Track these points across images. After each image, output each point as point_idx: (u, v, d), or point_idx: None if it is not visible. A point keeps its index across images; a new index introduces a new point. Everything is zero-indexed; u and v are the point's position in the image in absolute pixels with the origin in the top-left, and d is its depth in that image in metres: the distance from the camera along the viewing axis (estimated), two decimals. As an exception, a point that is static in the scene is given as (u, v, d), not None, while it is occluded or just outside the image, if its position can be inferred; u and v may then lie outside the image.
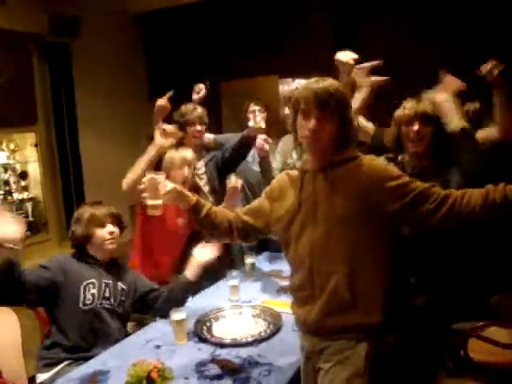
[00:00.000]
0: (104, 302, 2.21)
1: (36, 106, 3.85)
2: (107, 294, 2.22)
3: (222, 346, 1.97)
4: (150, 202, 1.77)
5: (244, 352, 1.91)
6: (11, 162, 3.84)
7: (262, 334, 2.08)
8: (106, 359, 1.92)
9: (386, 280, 1.59)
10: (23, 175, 3.88)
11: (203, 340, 2.03)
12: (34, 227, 3.89)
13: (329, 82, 1.57)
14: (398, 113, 2.12)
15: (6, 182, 3.80)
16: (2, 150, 3.78)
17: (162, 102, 2.58)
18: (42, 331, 2.55)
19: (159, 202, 1.76)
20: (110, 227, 2.27)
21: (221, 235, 1.85)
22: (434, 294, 1.94)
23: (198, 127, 2.87)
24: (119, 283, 2.29)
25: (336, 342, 1.58)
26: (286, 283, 2.67)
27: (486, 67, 2.07)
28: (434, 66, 2.38)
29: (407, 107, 2.09)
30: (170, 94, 2.60)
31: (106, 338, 2.18)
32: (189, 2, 4.49)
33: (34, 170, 3.94)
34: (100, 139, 4.14)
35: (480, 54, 2.11)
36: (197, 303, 2.42)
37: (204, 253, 2.38)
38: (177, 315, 2.02)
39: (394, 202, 1.52)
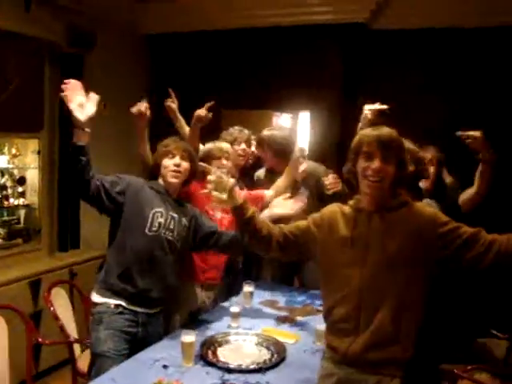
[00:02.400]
0: (168, 232, 2.36)
1: (43, 114, 3.90)
2: (171, 226, 2.38)
3: (230, 371, 2.05)
4: (215, 195, 1.94)
5: (253, 379, 2.00)
6: (10, 166, 3.84)
7: (267, 362, 2.15)
8: (114, 377, 1.99)
9: (422, 316, 1.73)
10: (21, 181, 3.89)
11: (210, 364, 2.10)
12: (26, 235, 3.89)
13: (387, 129, 1.78)
14: None
15: (3, 187, 3.79)
16: (3, 154, 3.79)
17: (201, 112, 2.83)
18: (28, 337, 2.60)
19: (224, 195, 1.93)
20: (177, 159, 2.41)
21: (259, 242, 1.98)
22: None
23: (243, 146, 3.11)
24: (183, 219, 2.44)
25: (373, 377, 1.69)
26: (283, 314, 2.77)
27: (466, 134, 2.49)
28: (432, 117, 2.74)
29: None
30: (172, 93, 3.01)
31: (160, 267, 2.34)
32: (199, 29, 4.68)
33: (33, 176, 3.97)
34: (102, 153, 4.17)
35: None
36: (199, 325, 2.52)
37: (282, 206, 2.55)
38: (187, 337, 2.10)
39: (445, 246, 1.67)
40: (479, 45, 3.95)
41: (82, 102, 2.08)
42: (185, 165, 2.42)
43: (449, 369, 2.50)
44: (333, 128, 4.35)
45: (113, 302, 2.27)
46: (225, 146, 2.90)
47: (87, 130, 2.08)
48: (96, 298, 2.31)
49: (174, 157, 2.41)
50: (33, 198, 4.00)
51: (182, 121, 3.17)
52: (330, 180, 2.87)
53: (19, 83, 3.66)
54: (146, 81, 5.04)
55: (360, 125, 2.74)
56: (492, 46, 3.91)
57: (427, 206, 1.81)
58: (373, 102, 2.80)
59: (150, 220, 2.31)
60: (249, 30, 4.50)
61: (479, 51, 3.95)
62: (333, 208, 1.91)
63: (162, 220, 2.33)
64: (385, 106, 2.77)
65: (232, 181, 1.96)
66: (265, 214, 2.55)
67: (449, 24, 3.95)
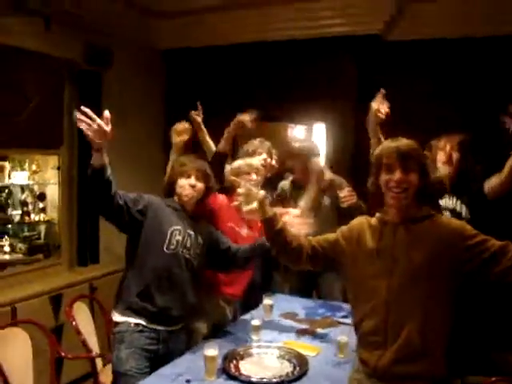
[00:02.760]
0: (185, 250, 2.39)
1: (62, 130, 3.97)
2: (188, 245, 2.41)
3: (253, 384, 2.05)
4: (245, 208, 1.97)
5: (276, 392, 1.99)
6: (31, 182, 3.91)
7: (290, 375, 2.15)
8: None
9: (450, 329, 1.74)
10: (41, 197, 3.96)
11: (232, 377, 2.12)
12: (46, 250, 3.95)
13: (406, 140, 1.80)
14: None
15: (24, 203, 3.86)
16: (24, 170, 3.87)
17: (244, 117, 2.90)
18: (51, 351, 2.64)
19: (254, 205, 1.95)
20: (192, 180, 2.44)
21: (289, 255, 2.01)
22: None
23: (264, 156, 3.12)
24: (199, 237, 2.47)
25: None
26: (303, 326, 2.78)
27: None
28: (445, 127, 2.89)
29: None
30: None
31: (179, 284, 2.37)
32: (213, 44, 4.74)
33: (53, 192, 4.04)
34: (120, 168, 4.22)
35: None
36: (220, 339, 2.53)
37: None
38: (210, 351, 2.12)
39: (472, 260, 1.67)
40: (493, 54, 3.95)
41: (98, 127, 2.02)
42: (200, 185, 2.45)
43: (473, 381, 2.48)
44: (347, 139, 4.37)
45: (133, 320, 2.30)
46: (255, 161, 2.91)
47: (104, 151, 2.08)
48: (117, 317, 2.34)
49: (189, 177, 2.43)
50: (53, 214, 4.07)
51: (205, 132, 3.23)
52: (344, 193, 2.88)
53: (39, 101, 3.73)
54: (161, 95, 5.12)
55: (369, 126, 2.68)
56: (505, 55, 3.90)
57: (454, 219, 1.84)
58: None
59: (168, 237, 2.34)
60: (263, 44, 4.54)
61: (493, 60, 3.95)
62: (360, 220, 1.95)
63: (179, 238, 2.37)
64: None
65: (262, 192, 1.98)
66: None
67: (462, 34, 3.95)
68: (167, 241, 2.33)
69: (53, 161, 4.03)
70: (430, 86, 4.12)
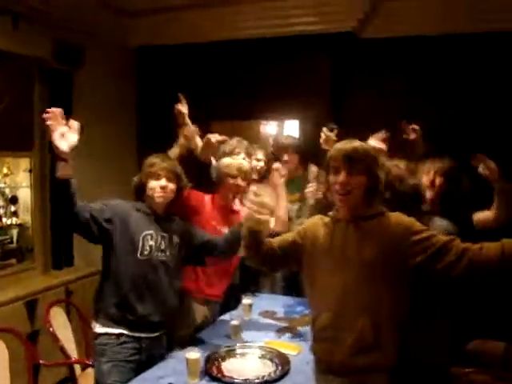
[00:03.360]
0: (160, 254, 2.34)
1: (33, 132, 3.90)
2: (163, 247, 2.35)
3: (236, 386, 2.07)
4: (258, 216, 1.94)
5: (259, 393, 2.01)
6: (2, 185, 3.84)
7: (272, 375, 2.17)
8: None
9: (403, 323, 1.79)
10: (13, 200, 3.89)
11: (215, 379, 2.13)
12: (20, 254, 3.89)
13: (357, 142, 1.85)
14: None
15: (-4, 207, 3.79)
16: (-5, 174, 3.80)
17: (179, 106, 2.87)
18: (29, 359, 2.61)
19: (266, 217, 1.95)
20: (163, 181, 2.36)
21: (257, 260, 2.06)
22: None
23: (242, 155, 3.05)
24: (174, 236, 2.42)
25: None
26: (282, 325, 2.80)
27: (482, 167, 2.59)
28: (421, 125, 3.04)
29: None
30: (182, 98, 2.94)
31: (157, 290, 2.32)
32: (186, 42, 4.72)
33: (25, 195, 3.97)
34: (92, 169, 4.20)
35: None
36: (200, 340, 2.56)
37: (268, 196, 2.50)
38: (192, 353, 2.13)
39: (418, 254, 1.72)
40: (467, 51, 4.03)
41: (63, 132, 1.95)
42: (171, 186, 2.37)
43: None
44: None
45: (114, 331, 2.26)
46: (244, 165, 2.82)
47: (70, 161, 1.99)
48: (97, 328, 2.30)
49: (159, 178, 2.34)
50: (25, 217, 4.00)
51: (190, 125, 3.05)
52: (308, 189, 2.93)
53: (8, 102, 3.66)
54: (134, 95, 5.07)
55: None
56: (480, 52, 3.99)
57: (404, 216, 1.84)
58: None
59: (140, 244, 2.29)
60: (236, 42, 4.55)
61: (468, 57, 4.03)
62: (315, 220, 2.02)
63: (152, 242, 2.32)
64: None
65: (272, 203, 2.00)
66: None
67: (436, 31, 4.02)
68: (140, 247, 2.28)
69: (24, 163, 3.95)
70: (404, 84, 4.18)
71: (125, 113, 4.91)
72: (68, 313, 3.33)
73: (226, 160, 2.82)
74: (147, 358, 2.32)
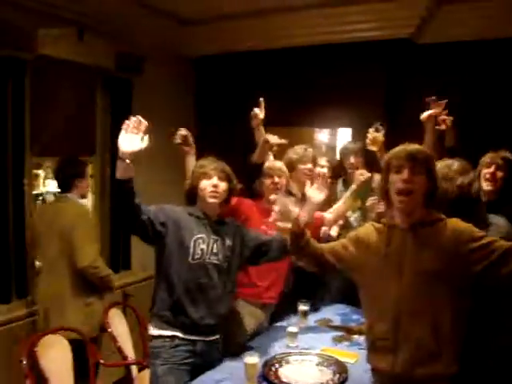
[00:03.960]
0: (212, 257, 2.35)
1: (95, 139, 4.03)
2: (215, 250, 2.37)
3: (293, 391, 2.06)
4: (280, 225, 2.04)
5: (317, 399, 1.99)
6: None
7: (330, 382, 2.14)
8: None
9: (464, 331, 1.75)
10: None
11: (273, 384, 2.11)
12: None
13: (416, 145, 1.87)
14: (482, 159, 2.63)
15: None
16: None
17: (271, 138, 2.89)
18: (91, 358, 2.69)
19: (289, 225, 2.01)
20: (214, 180, 2.39)
21: (305, 262, 2.12)
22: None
23: (309, 165, 3.16)
24: (227, 239, 2.44)
25: None
26: (339, 333, 2.77)
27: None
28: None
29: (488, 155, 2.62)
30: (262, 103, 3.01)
31: (210, 293, 2.34)
32: (241, 50, 4.77)
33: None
34: (151, 176, 4.30)
35: None
36: (257, 346, 2.56)
37: (317, 193, 2.56)
38: (250, 358, 2.13)
39: (479, 262, 1.69)
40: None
41: (131, 134, 2.03)
42: (222, 185, 2.40)
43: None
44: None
45: (168, 333, 2.29)
46: (277, 164, 2.95)
47: (129, 162, 2.03)
48: (152, 330, 2.34)
49: (211, 178, 2.38)
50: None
51: (263, 135, 3.10)
52: (370, 201, 3.00)
53: (73, 109, 3.81)
54: (192, 102, 5.18)
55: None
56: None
57: (462, 222, 1.81)
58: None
59: (192, 248, 2.31)
60: (291, 49, 4.56)
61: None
62: (367, 226, 2.02)
63: (204, 246, 2.33)
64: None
65: (297, 210, 2.04)
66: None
67: (495, 35, 3.91)
68: (191, 251, 2.31)
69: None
70: (466, 91, 4.07)
71: (183, 119, 4.98)
72: (125, 315, 3.41)
73: (268, 162, 2.95)
74: (202, 362, 2.33)
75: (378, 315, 1.85)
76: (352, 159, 3.51)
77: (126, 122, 2.03)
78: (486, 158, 2.62)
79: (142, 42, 4.24)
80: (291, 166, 3.15)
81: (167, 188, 4.26)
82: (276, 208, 2.04)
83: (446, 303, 1.71)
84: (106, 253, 4.20)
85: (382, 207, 2.78)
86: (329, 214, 3.12)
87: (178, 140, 2.96)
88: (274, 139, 2.82)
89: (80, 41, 3.64)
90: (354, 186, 3.15)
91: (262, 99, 3.05)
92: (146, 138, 2.06)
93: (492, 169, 2.57)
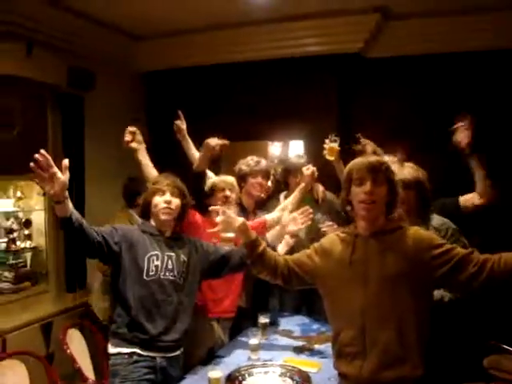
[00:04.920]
0: (167, 273, 2.33)
1: (47, 155, 3.92)
2: (170, 266, 2.35)
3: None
4: (223, 235, 2.07)
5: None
6: (16, 209, 3.88)
7: (293, 393, 2.15)
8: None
9: (428, 334, 1.81)
10: (27, 224, 3.91)
11: (237, 399, 2.10)
12: (33, 278, 3.89)
13: (375, 156, 1.99)
14: None
15: (10, 230, 3.81)
16: (9, 198, 3.83)
17: (211, 141, 2.85)
18: (49, 380, 2.60)
19: (232, 234, 2.05)
20: (167, 196, 2.38)
21: (267, 273, 2.11)
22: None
23: (259, 179, 3.13)
24: (182, 255, 2.42)
25: None
26: (300, 343, 2.79)
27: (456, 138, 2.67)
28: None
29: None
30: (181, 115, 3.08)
31: (168, 309, 2.31)
32: (191, 64, 4.79)
33: (38, 219, 4.00)
34: (104, 191, 4.24)
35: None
36: (219, 360, 2.54)
37: (293, 222, 2.55)
38: (213, 373, 2.12)
39: (439, 268, 1.75)
40: (474, 68, 4.05)
41: (52, 174, 1.88)
42: (176, 201, 2.40)
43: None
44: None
45: (126, 350, 2.25)
46: (229, 179, 2.97)
47: (66, 201, 1.94)
48: (110, 348, 2.30)
49: (164, 194, 2.38)
50: (39, 240, 4.02)
51: (189, 142, 3.17)
52: (325, 227, 2.84)
53: (23, 126, 3.72)
54: (143, 117, 5.13)
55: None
56: (485, 70, 4.02)
57: (422, 230, 1.91)
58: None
59: (146, 265, 2.30)
60: (242, 64, 4.61)
61: (475, 74, 4.05)
62: (331, 236, 2.07)
63: (158, 263, 2.32)
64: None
65: (241, 220, 2.06)
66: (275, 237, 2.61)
67: (441, 50, 4.08)
68: (145, 268, 2.29)
69: (38, 187, 3.95)
70: (412, 103, 4.21)
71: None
72: (83, 335, 3.33)
73: (211, 180, 2.96)
74: (163, 378, 2.29)
75: (344, 323, 1.88)
76: (298, 177, 3.34)
77: (31, 168, 1.89)
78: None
79: (94, 57, 4.20)
80: (242, 179, 3.14)
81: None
82: (218, 219, 2.05)
83: (409, 307, 1.76)
84: (62, 272, 4.11)
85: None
86: (270, 215, 3.05)
87: (127, 137, 2.93)
88: (214, 141, 2.83)
89: (28, 56, 3.57)
90: (297, 194, 3.12)
91: (179, 112, 3.13)
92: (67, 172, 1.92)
93: None
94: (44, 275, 3.99)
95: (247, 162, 3.18)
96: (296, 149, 4.71)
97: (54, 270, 4.03)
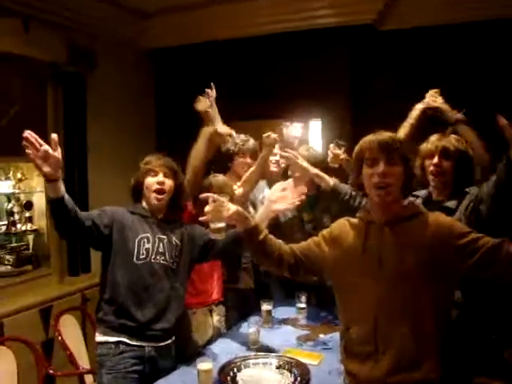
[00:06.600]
0: (158, 257, 2.21)
1: (47, 136, 3.80)
2: (161, 250, 2.23)
3: (251, 398, 1.92)
4: (212, 226, 1.88)
5: (275, 406, 1.86)
6: (16, 191, 3.78)
7: (290, 387, 2.01)
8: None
9: (444, 332, 1.62)
10: (28, 206, 3.82)
11: (229, 391, 1.97)
12: (35, 261, 3.81)
13: (387, 132, 1.70)
14: (422, 147, 2.27)
15: (11, 213, 3.72)
16: (9, 179, 3.73)
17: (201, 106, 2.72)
18: (39, 369, 2.52)
19: (222, 224, 1.87)
20: (160, 177, 2.26)
21: (270, 264, 1.91)
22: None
23: (248, 160, 2.96)
24: (174, 238, 2.29)
25: None
26: (304, 332, 2.64)
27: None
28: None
29: (430, 142, 2.24)
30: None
31: (158, 295, 2.18)
32: (202, 40, 4.58)
33: (39, 200, 3.89)
34: (108, 171, 4.13)
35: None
36: (216, 350, 2.40)
37: (283, 200, 2.28)
38: (203, 364, 1.99)
39: (464, 260, 1.55)
40: (492, 38, 3.79)
41: (45, 152, 1.83)
42: (169, 182, 2.27)
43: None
44: (344, 133, 4.22)
45: (113, 339, 2.12)
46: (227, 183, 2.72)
47: (59, 180, 1.87)
48: (97, 337, 2.18)
49: (156, 175, 2.26)
50: (40, 223, 3.92)
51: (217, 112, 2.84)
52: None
53: (22, 106, 3.60)
54: (151, 96, 4.99)
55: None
56: (504, 39, 3.75)
57: (443, 216, 1.68)
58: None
59: (136, 248, 2.18)
60: (254, 39, 4.40)
61: (493, 45, 3.79)
62: (341, 221, 1.87)
63: (149, 246, 2.20)
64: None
65: (234, 208, 1.85)
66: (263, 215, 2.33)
67: (456, 20, 3.81)
68: (135, 251, 2.17)
69: (39, 168, 3.88)
70: (429, 77, 3.97)
71: (142, 115, 4.82)
72: (83, 321, 3.24)
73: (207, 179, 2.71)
74: (152, 370, 2.16)
75: (355, 317, 1.70)
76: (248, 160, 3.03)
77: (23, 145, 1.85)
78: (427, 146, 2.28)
79: (96, 34, 4.04)
80: (229, 158, 2.98)
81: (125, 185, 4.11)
82: (207, 208, 1.85)
83: (428, 304, 1.58)
84: (64, 255, 4.00)
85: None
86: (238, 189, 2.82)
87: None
88: (224, 129, 2.65)
89: (26, 32, 3.42)
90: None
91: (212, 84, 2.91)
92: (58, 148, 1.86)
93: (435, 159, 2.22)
94: (46, 258, 3.90)
95: (235, 141, 2.98)
96: (314, 128, 4.49)
97: (56, 253, 3.92)
